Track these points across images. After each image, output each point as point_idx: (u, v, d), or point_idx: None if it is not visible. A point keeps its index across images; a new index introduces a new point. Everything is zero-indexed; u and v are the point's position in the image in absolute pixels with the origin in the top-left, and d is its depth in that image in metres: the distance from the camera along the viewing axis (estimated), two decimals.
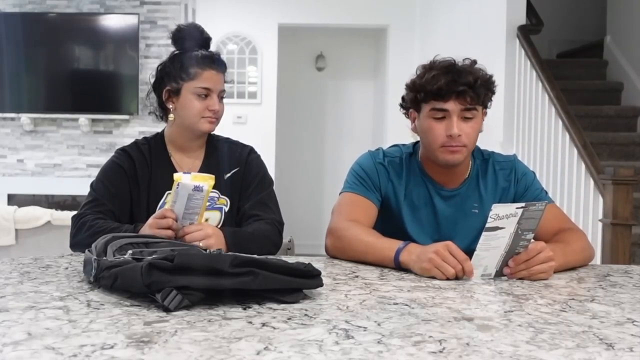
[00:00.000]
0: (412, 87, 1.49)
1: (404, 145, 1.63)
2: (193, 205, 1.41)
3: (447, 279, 1.20)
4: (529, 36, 3.57)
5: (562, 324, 0.88)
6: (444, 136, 1.44)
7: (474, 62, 1.48)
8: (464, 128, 1.43)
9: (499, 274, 1.26)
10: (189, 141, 1.65)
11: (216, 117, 1.61)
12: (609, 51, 4.86)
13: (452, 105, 1.42)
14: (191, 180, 1.40)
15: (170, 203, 1.42)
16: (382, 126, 5.66)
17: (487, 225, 1.20)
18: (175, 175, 1.42)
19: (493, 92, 1.51)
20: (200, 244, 1.33)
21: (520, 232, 1.22)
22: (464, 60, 1.47)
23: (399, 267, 1.30)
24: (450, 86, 1.41)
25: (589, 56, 5.10)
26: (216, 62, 1.60)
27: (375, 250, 1.35)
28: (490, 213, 1.19)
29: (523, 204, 1.21)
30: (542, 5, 4.26)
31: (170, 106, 1.62)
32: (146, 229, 1.40)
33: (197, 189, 1.38)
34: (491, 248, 1.22)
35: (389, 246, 1.33)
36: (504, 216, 1.19)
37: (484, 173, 1.58)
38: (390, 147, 1.65)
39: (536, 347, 0.76)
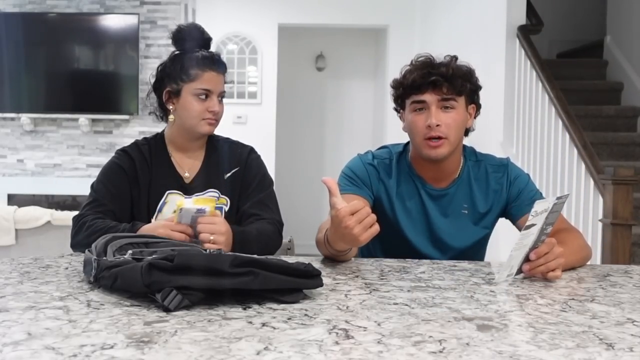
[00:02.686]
0: (393, 85, 1.55)
1: (394, 145, 1.64)
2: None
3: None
4: (529, 36, 3.57)
5: (562, 324, 0.88)
6: (424, 128, 1.47)
7: (454, 57, 1.51)
8: (443, 118, 1.46)
9: (519, 272, 1.23)
10: (189, 142, 1.65)
11: (216, 119, 1.61)
12: (609, 51, 4.86)
13: (429, 97, 1.47)
14: (193, 204, 1.42)
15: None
16: (382, 126, 5.66)
17: (527, 223, 1.16)
18: (177, 202, 1.45)
19: (475, 85, 1.53)
20: (211, 238, 1.35)
21: (544, 226, 1.20)
22: (445, 57, 1.51)
23: (336, 250, 1.30)
24: (425, 77, 1.46)
25: (589, 56, 5.11)
26: (216, 63, 1.60)
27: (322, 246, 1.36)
28: (532, 211, 1.15)
29: (556, 197, 1.19)
30: (542, 5, 4.26)
31: (171, 107, 1.62)
32: (159, 228, 1.39)
33: (200, 211, 1.40)
34: (522, 247, 1.19)
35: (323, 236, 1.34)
36: (541, 212, 1.16)
37: (476, 175, 1.58)
38: (379, 148, 1.66)
39: (536, 347, 0.76)
